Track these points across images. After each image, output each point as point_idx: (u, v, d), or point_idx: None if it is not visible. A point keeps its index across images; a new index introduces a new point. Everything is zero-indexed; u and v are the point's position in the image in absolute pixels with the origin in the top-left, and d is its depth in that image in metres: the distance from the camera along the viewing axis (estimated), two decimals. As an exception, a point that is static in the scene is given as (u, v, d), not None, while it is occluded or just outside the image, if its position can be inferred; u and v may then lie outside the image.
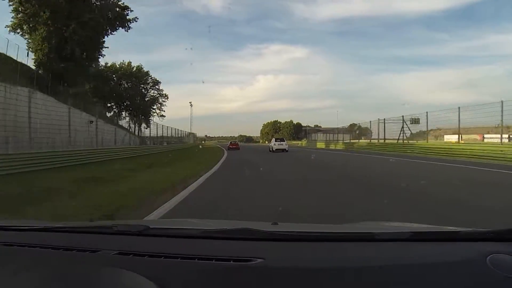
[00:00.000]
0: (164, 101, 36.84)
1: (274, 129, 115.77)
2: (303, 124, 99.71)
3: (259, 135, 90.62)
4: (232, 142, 34.39)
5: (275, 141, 22.83)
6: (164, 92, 38.02)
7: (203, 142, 44.46)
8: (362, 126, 30.14)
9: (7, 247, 0.98)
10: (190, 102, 57.48)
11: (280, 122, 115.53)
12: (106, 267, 0.77)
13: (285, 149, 20.67)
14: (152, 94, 36.36)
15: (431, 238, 1.01)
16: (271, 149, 21.71)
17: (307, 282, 0.73)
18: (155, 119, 32.33)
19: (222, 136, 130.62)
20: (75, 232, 1.13)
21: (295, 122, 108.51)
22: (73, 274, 0.73)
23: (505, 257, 0.81)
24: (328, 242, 0.97)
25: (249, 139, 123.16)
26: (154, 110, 35.89)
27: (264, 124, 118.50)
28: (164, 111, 36.50)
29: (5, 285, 0.72)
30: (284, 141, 23.12)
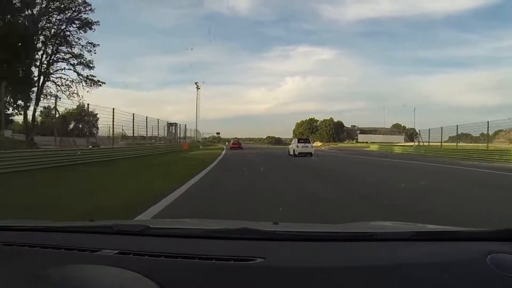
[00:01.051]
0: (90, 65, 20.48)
1: (309, 128, 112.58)
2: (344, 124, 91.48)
3: (292, 136, 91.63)
4: (234, 142, 33.70)
5: (298, 142, 19.29)
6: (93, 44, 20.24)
7: (226, 143, 47.05)
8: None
9: (7, 247, 1.01)
10: (196, 83, 44.59)
11: (317, 121, 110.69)
12: (106, 267, 0.82)
13: (310, 153, 18.20)
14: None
15: (431, 238, 1.04)
16: (292, 153, 18.87)
17: (307, 281, 0.76)
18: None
19: (250, 138, 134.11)
20: (75, 232, 1.16)
21: (335, 120, 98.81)
22: (74, 274, 0.78)
23: (506, 256, 0.85)
24: (328, 242, 1.01)
25: (278, 140, 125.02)
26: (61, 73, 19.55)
27: (297, 123, 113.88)
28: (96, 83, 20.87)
29: (5, 285, 0.75)
30: (309, 142, 19.80)
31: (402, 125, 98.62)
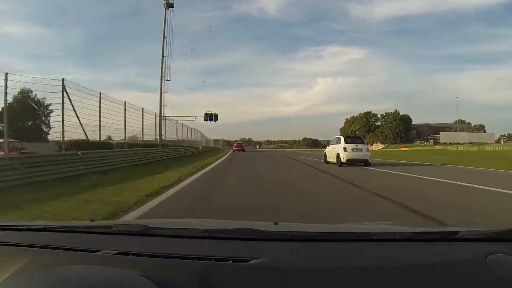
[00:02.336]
0: None
1: (366, 125, 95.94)
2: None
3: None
4: (237, 144, 32.52)
5: (346, 141, 12.03)
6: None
7: (257, 147, 37.22)
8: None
9: (6, 247, 1.05)
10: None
11: (375, 115, 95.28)
12: (106, 267, 0.85)
13: (366, 160, 11.57)
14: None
15: (431, 238, 1.09)
16: (333, 160, 12.35)
17: (307, 282, 0.79)
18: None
19: (283, 140, 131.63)
20: (74, 232, 1.22)
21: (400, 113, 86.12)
22: (74, 275, 0.82)
23: (505, 257, 0.88)
24: (328, 242, 1.05)
25: (315, 142, 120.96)
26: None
27: (347, 119, 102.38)
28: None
29: (5, 286, 0.79)
30: (362, 141, 12.65)
31: (466, 122, 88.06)
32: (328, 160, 12.86)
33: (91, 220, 1.31)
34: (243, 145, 31.51)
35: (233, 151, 27.02)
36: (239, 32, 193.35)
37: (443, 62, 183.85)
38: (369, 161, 11.65)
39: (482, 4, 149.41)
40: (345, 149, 11.62)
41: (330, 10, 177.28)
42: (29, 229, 1.22)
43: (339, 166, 11.37)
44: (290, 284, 0.79)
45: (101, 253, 0.96)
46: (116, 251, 0.95)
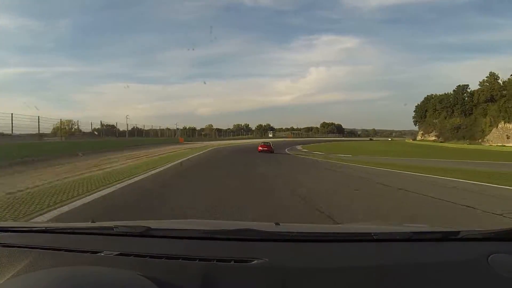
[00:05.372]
0: None
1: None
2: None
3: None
4: (264, 144, 29.83)
5: None
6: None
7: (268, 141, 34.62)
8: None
9: (7, 249, 1.14)
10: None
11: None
12: (108, 268, 0.93)
13: None
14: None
15: (432, 238, 1.19)
16: None
17: (308, 282, 0.87)
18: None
19: (291, 128, 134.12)
20: (76, 233, 1.35)
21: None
22: (75, 276, 0.89)
23: (506, 257, 0.95)
24: (329, 243, 1.16)
25: (339, 129, 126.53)
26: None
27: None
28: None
29: (7, 287, 0.87)
30: None
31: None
32: None
33: (92, 221, 1.44)
34: (271, 146, 29.30)
35: (259, 152, 27.15)
36: (232, 21, 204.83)
37: (439, 51, 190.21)
38: None
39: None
40: None
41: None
42: (30, 231, 1.36)
43: None
44: (292, 284, 0.87)
45: (102, 254, 1.05)
46: (118, 252, 1.05)
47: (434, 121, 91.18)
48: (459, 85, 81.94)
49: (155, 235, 1.19)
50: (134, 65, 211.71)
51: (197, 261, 0.96)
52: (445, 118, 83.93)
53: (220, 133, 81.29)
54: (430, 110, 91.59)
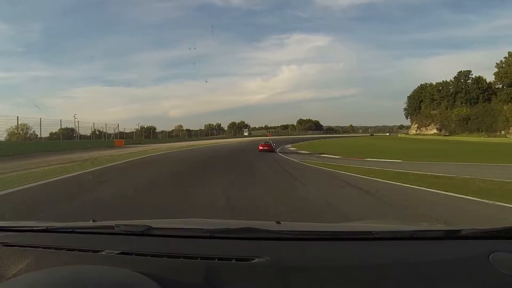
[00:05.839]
0: None
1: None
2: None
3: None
4: (264, 143, 28.66)
5: None
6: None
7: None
8: None
9: (9, 248, 1.18)
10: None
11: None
12: (109, 267, 0.97)
13: None
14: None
15: (432, 237, 1.23)
16: None
17: (310, 280, 0.90)
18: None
19: (265, 126, 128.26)
20: (77, 232, 1.40)
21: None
22: (76, 275, 0.92)
23: (507, 255, 0.98)
24: (330, 241, 1.19)
25: (318, 126, 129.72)
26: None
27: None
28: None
29: (8, 286, 0.90)
30: None
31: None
32: None
33: (93, 220, 1.47)
34: (271, 145, 29.66)
35: (259, 151, 27.11)
36: (204, 22, 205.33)
37: (410, 48, 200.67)
38: None
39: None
40: None
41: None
42: (31, 230, 1.39)
43: None
44: (293, 282, 0.90)
45: (103, 253, 1.10)
46: (119, 251, 1.09)
47: (432, 112, 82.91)
48: (460, 71, 73.47)
49: (156, 234, 1.24)
50: (107, 68, 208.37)
51: (198, 259, 1.01)
52: (446, 108, 74.65)
53: (190, 134, 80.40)
54: (426, 100, 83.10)
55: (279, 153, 25.01)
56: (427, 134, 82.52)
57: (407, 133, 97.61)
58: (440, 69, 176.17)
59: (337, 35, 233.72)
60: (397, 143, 49.07)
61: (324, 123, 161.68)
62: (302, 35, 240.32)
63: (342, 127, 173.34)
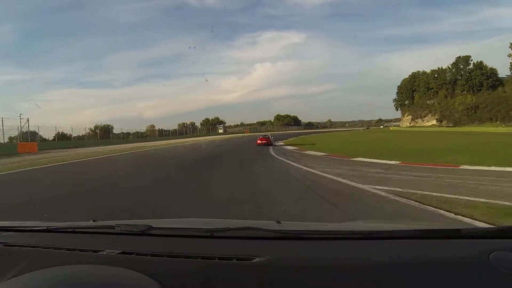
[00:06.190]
0: None
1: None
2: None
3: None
4: (262, 137, 29.89)
5: None
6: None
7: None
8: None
9: (9, 248, 1.21)
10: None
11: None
12: (109, 266, 0.99)
13: None
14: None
15: (433, 236, 1.23)
16: None
17: (310, 280, 0.92)
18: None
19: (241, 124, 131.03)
20: (77, 232, 1.42)
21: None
22: (76, 274, 0.94)
23: (508, 254, 0.98)
24: (330, 241, 1.20)
25: (296, 121, 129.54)
26: None
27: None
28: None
29: (9, 286, 0.91)
30: None
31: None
32: None
33: (93, 220, 1.50)
34: (269, 138, 30.74)
35: (257, 145, 28.65)
36: (178, 21, 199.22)
37: (383, 43, 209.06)
38: None
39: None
40: None
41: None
42: (32, 230, 1.43)
43: None
44: (294, 282, 0.92)
45: (104, 253, 1.13)
46: (119, 251, 1.12)
47: (428, 102, 75.72)
48: (459, 57, 67.20)
49: (156, 233, 1.27)
50: (81, 69, 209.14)
51: (198, 259, 1.04)
52: (446, 97, 67.92)
53: (162, 134, 79.96)
54: (421, 89, 75.96)
55: (289, 162, 13.56)
56: (424, 126, 78.18)
57: (398, 126, 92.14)
58: (415, 63, 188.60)
59: (310, 32, 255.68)
60: (413, 138, 37.98)
61: (302, 118, 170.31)
62: (275, 32, 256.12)
63: (320, 123, 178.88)
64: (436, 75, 75.71)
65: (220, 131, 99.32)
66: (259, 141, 27.82)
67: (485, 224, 3.46)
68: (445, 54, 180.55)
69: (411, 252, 1.04)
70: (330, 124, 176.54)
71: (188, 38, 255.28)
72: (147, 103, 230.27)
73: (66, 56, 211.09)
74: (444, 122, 73.18)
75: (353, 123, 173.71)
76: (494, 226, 1.11)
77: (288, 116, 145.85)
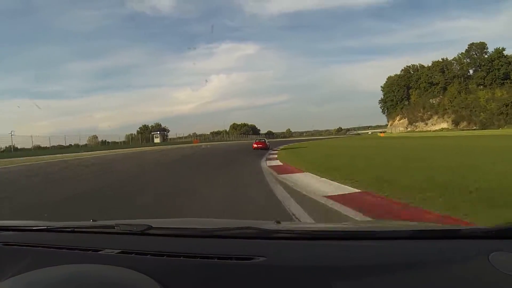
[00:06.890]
0: None
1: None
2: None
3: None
4: (258, 141, 30.59)
5: None
6: None
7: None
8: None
9: (9, 247, 1.32)
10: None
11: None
12: (109, 266, 1.08)
13: None
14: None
15: (432, 236, 1.30)
16: None
17: (309, 280, 0.99)
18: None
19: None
20: (77, 232, 1.54)
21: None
22: (76, 274, 1.02)
23: (508, 255, 1.04)
24: (330, 241, 1.28)
25: (255, 131, 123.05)
26: None
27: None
28: None
29: (8, 286, 0.97)
30: None
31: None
32: None
33: (93, 220, 1.58)
34: (265, 142, 32.54)
35: (253, 149, 30.59)
36: (133, 31, 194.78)
37: (337, 55, 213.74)
38: None
39: (372, 2, 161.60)
40: None
41: (223, 6, 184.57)
42: (31, 230, 1.53)
43: None
44: (293, 282, 0.95)
45: (103, 252, 1.20)
46: (119, 250, 1.18)
47: (431, 101, 63.26)
48: (472, 43, 54.71)
49: (156, 233, 1.34)
50: (32, 79, 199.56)
51: (198, 259, 1.08)
52: (459, 93, 55.18)
53: (105, 143, 77.98)
54: (420, 86, 63.15)
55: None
56: (429, 131, 62.49)
57: (384, 132, 79.26)
58: (369, 74, 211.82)
59: (266, 43, 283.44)
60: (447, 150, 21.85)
61: (261, 128, 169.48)
62: (231, 44, 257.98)
63: (280, 133, 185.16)
64: (442, 67, 59.54)
65: (157, 140, 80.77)
66: (255, 145, 28.55)
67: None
68: (398, 65, 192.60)
69: (411, 252, 1.07)
70: (290, 133, 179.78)
71: (142, 49, 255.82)
72: (102, 114, 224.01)
73: (18, 66, 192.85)
74: (463, 125, 57.95)
75: (310, 133, 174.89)
76: (493, 226, 1.06)
77: (245, 125, 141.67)
